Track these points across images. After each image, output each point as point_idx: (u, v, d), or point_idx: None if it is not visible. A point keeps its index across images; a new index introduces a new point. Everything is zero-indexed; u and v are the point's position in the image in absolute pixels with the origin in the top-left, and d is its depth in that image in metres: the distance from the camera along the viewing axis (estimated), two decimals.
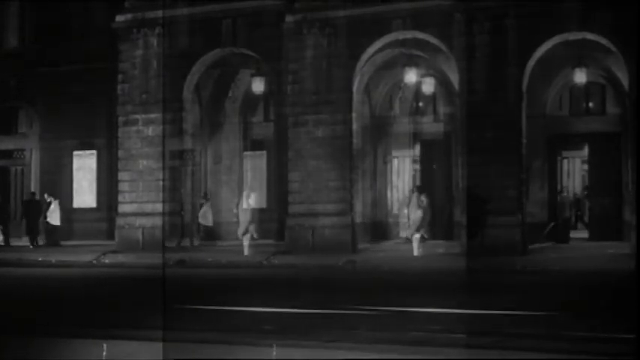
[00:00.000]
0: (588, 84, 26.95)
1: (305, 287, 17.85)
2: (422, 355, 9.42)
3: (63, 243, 29.45)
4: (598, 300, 14.71)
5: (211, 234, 27.84)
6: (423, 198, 26.59)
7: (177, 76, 27.05)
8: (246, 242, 25.10)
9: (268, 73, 27.04)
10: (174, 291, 15.41)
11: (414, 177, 30.15)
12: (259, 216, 29.52)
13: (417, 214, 26.41)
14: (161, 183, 26.94)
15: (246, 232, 25.62)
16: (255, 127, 31.53)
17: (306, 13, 25.53)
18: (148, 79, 27.26)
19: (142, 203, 27.11)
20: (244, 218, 26.23)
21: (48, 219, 29.73)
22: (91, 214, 31.86)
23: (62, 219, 30.11)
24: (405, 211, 28.26)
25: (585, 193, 29.73)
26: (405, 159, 30.23)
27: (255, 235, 25.59)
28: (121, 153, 27.84)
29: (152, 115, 27.12)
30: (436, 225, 28.26)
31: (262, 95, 29.02)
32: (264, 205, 30.66)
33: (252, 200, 26.90)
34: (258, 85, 27.67)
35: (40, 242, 29.75)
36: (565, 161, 30.16)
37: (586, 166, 30.58)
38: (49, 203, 29.86)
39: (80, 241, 30.01)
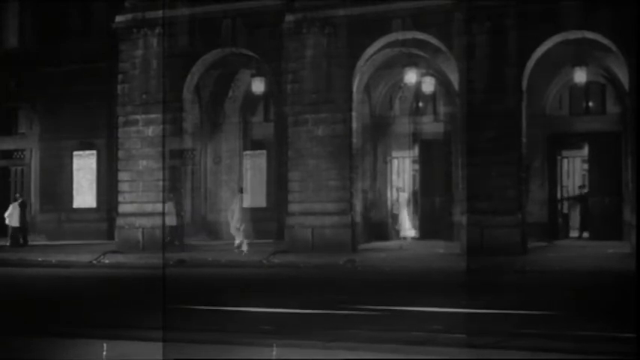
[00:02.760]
0: (588, 83, 26.97)
1: (305, 287, 17.85)
2: (422, 355, 9.42)
3: (32, 243, 29.56)
4: (598, 300, 14.71)
5: (175, 234, 27.78)
6: (402, 196, 26.88)
7: (177, 76, 27.05)
8: (238, 240, 25.54)
9: (268, 73, 27.05)
10: (174, 291, 15.41)
11: (413, 177, 30.18)
12: (258, 215, 29.56)
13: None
14: (161, 183, 26.94)
15: (238, 230, 26.10)
16: (255, 126, 31.57)
17: (306, 13, 25.54)
18: (148, 79, 27.26)
19: (142, 203, 27.11)
20: (238, 217, 26.60)
21: (6, 221, 29.64)
22: (91, 214, 31.91)
23: (60, 220, 30.13)
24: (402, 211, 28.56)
25: (580, 192, 29.68)
26: (405, 159, 30.28)
27: (244, 235, 26.14)
28: (121, 153, 27.84)
29: (152, 115, 27.12)
30: (435, 225, 28.35)
31: (262, 95, 29.06)
32: (264, 204, 30.70)
33: (245, 199, 27.21)
34: (258, 85, 27.71)
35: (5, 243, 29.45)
36: (565, 161, 30.14)
37: (586, 166, 30.58)
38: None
39: (78, 241, 30.04)
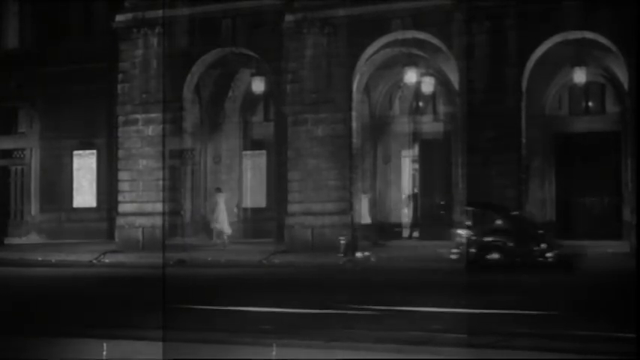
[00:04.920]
0: (588, 83, 26.97)
1: (305, 287, 17.85)
2: (422, 355, 9.42)
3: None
4: (598, 299, 14.72)
5: None
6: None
7: (177, 75, 27.06)
8: (219, 240, 26.81)
9: (268, 73, 27.06)
10: (174, 291, 15.41)
11: (413, 177, 30.18)
12: (258, 215, 29.67)
13: None
14: (161, 183, 26.95)
15: (220, 230, 26.76)
16: (254, 126, 31.56)
17: (305, 13, 25.55)
18: (148, 79, 27.27)
19: (142, 203, 27.12)
20: (221, 218, 27.12)
21: None
22: (91, 214, 31.89)
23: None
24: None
25: None
26: (405, 159, 30.25)
27: (227, 235, 26.73)
28: (121, 153, 27.85)
29: (152, 115, 27.13)
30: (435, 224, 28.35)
31: (262, 95, 29.06)
32: (263, 204, 30.72)
33: (223, 199, 27.65)
34: (257, 85, 27.72)
35: None
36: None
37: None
38: None
39: (78, 240, 30.05)
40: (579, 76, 25.75)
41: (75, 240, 30.42)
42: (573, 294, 15.84)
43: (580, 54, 25.28)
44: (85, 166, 32.21)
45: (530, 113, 25.00)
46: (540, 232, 20.33)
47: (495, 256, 19.45)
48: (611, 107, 27.83)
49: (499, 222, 20.85)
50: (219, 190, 28.19)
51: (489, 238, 19.98)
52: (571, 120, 28.37)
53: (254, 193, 30.96)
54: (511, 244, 19.57)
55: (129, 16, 27.62)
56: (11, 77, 32.79)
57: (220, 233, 27.24)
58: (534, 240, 19.80)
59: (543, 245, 19.63)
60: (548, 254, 19.49)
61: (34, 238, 32.44)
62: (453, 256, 20.28)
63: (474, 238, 19.90)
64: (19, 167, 34.14)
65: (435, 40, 24.86)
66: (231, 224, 28.03)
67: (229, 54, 27.51)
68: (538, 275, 18.62)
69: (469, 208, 21.35)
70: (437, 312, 12.77)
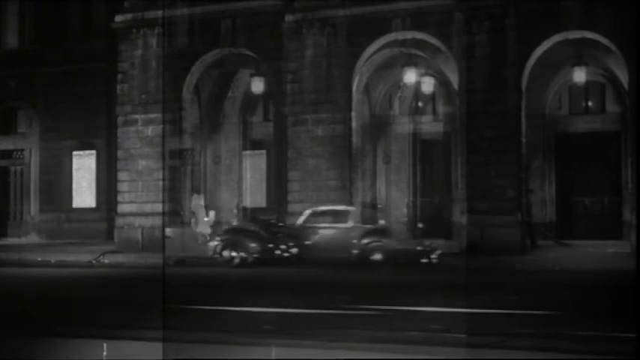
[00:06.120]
0: (588, 83, 27.00)
1: (305, 287, 17.84)
2: (422, 355, 9.41)
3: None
4: (598, 299, 14.71)
5: None
6: None
7: (177, 76, 27.05)
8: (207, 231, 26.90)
9: (268, 73, 27.04)
10: (174, 291, 15.40)
11: (414, 177, 30.17)
12: (258, 215, 29.60)
13: None
14: (161, 183, 26.94)
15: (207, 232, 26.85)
16: (254, 126, 31.57)
17: (305, 13, 25.55)
18: (147, 79, 27.26)
19: (142, 203, 27.11)
20: (200, 218, 27.16)
21: None
22: (90, 214, 31.90)
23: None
24: None
25: None
26: (405, 159, 30.24)
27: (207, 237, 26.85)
28: (120, 153, 27.84)
29: (152, 115, 27.13)
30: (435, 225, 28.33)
31: (262, 95, 29.04)
32: (263, 204, 30.72)
33: (201, 201, 27.66)
34: (257, 85, 27.70)
35: None
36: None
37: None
38: None
39: (78, 241, 30.04)
40: (579, 75, 25.76)
41: (74, 240, 30.42)
42: (573, 294, 15.83)
43: (580, 54, 25.29)
44: (84, 167, 32.21)
45: (530, 113, 25.00)
46: (281, 233, 22.84)
47: (235, 253, 22.36)
48: (611, 107, 27.84)
49: (249, 225, 23.86)
50: (197, 192, 28.30)
51: (232, 239, 22.79)
52: (571, 120, 28.38)
53: (254, 193, 30.96)
54: (253, 244, 22.35)
55: (128, 16, 27.61)
56: (11, 77, 32.81)
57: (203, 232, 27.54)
58: (274, 239, 22.39)
59: (282, 243, 22.26)
60: (280, 250, 22.19)
61: (33, 238, 32.46)
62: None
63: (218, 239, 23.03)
64: (19, 167, 34.15)
65: (434, 40, 24.86)
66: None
67: (229, 54, 27.50)
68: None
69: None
70: (437, 312, 12.76)
